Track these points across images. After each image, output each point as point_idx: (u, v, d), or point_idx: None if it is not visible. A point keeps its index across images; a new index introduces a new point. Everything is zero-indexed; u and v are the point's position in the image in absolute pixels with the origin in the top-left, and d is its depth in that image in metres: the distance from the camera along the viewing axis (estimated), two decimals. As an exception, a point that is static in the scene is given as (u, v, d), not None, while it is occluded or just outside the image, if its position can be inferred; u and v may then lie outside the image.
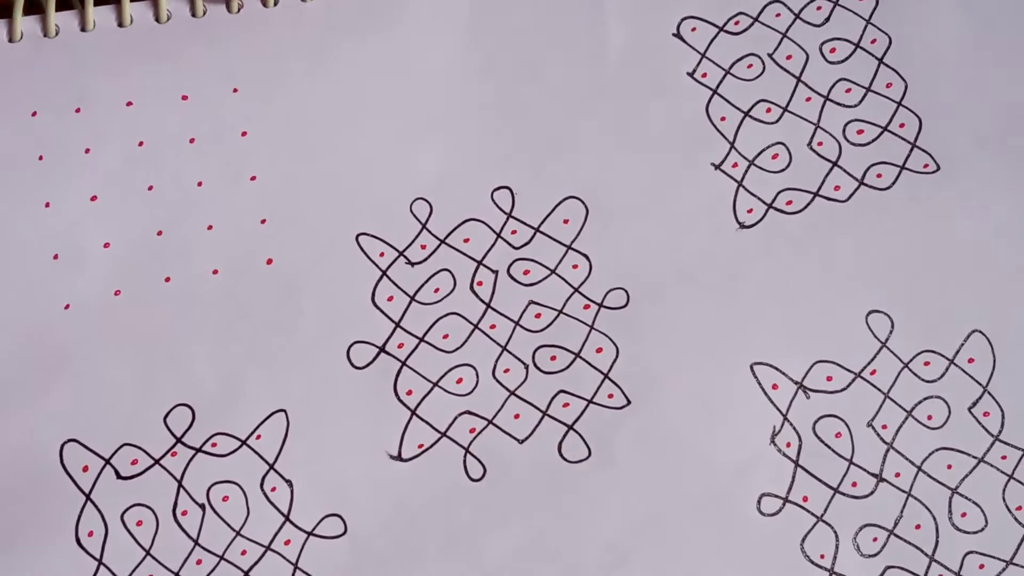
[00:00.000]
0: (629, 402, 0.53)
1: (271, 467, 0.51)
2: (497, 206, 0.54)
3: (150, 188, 0.52)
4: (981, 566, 0.53)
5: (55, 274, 0.51)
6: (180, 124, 0.53)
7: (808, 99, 0.56)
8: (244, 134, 0.53)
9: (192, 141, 0.53)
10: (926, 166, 0.56)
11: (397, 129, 0.54)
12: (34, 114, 0.52)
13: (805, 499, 0.52)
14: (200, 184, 0.53)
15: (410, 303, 0.53)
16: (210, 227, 0.52)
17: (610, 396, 0.53)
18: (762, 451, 0.53)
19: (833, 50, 0.56)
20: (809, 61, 0.56)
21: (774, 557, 0.52)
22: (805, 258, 0.54)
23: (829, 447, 0.53)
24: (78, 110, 0.52)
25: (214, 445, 0.50)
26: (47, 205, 0.52)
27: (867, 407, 0.53)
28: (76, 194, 0.52)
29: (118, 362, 0.51)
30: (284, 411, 0.51)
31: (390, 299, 0.53)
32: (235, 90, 0.54)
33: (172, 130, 0.53)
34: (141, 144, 0.53)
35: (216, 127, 0.53)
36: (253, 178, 0.53)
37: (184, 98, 0.53)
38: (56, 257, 0.51)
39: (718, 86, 0.56)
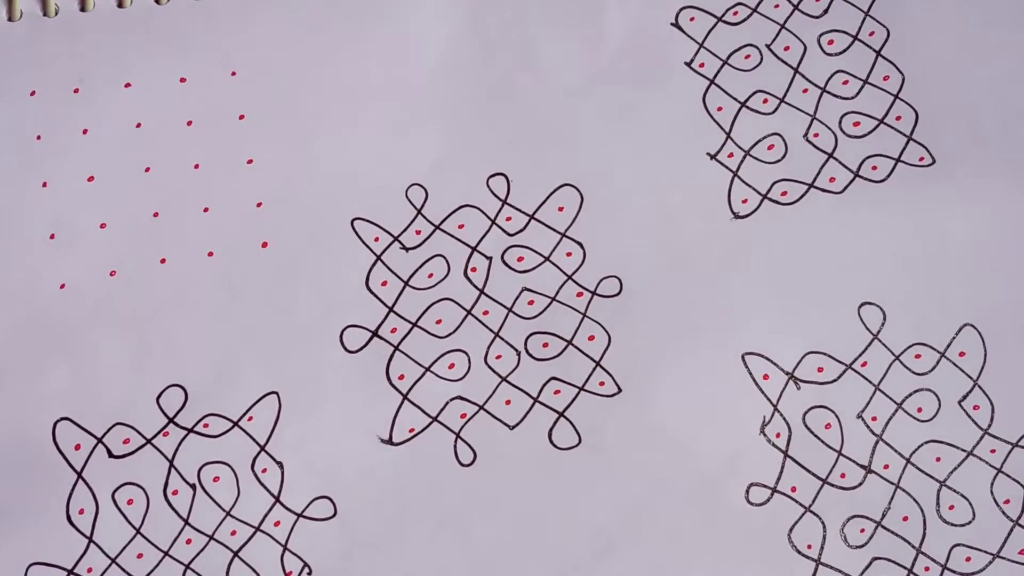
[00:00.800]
0: (620, 390, 0.53)
1: (262, 449, 0.51)
2: (492, 193, 0.54)
3: (147, 170, 0.53)
4: (968, 559, 0.53)
5: (51, 254, 0.51)
6: (178, 106, 0.53)
7: (805, 90, 0.56)
8: (242, 117, 0.54)
9: (190, 124, 0.53)
10: (922, 159, 0.56)
11: (394, 114, 0.54)
12: (33, 94, 0.52)
13: (793, 489, 0.53)
14: (197, 167, 0.53)
15: (404, 288, 0.53)
16: (206, 209, 0.53)
17: (601, 384, 0.53)
18: (752, 441, 0.53)
19: (831, 42, 0.56)
20: (807, 52, 0.56)
21: (761, 546, 0.52)
22: (799, 249, 0.54)
23: (819, 438, 0.53)
24: (77, 90, 0.53)
25: (206, 426, 0.51)
26: (44, 185, 0.52)
27: (857, 399, 0.53)
28: (73, 174, 0.52)
29: (112, 342, 0.51)
30: (276, 393, 0.51)
31: (384, 284, 0.53)
32: (233, 73, 0.54)
33: (170, 112, 0.53)
34: (139, 126, 0.53)
35: (214, 110, 0.53)
36: (250, 161, 0.53)
37: (183, 80, 0.53)
38: (52, 237, 0.52)
39: (715, 76, 0.56)
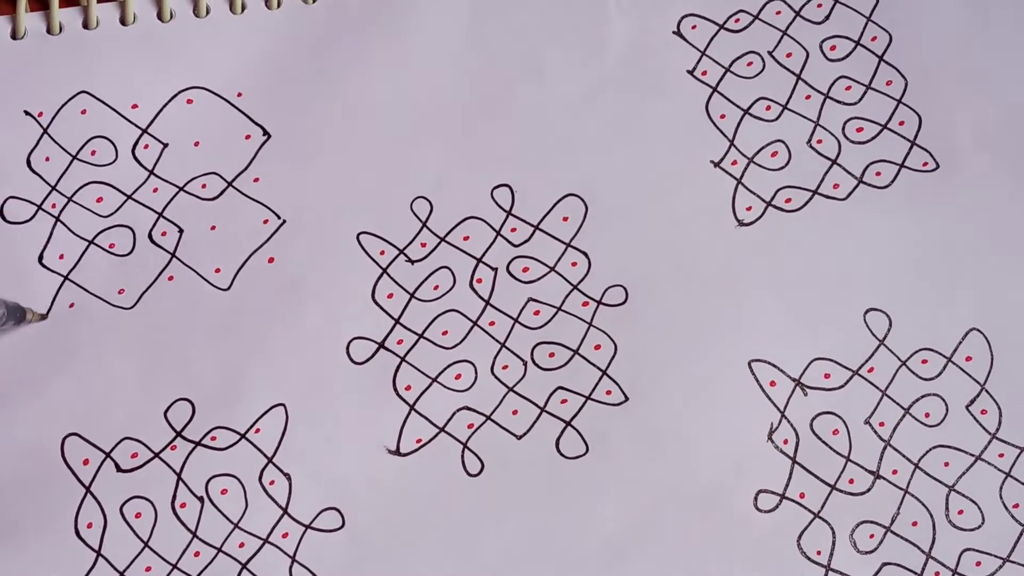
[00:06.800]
0: (627, 398, 0.53)
1: (270, 460, 0.51)
2: (497, 204, 0.54)
3: (155, 190, 0.53)
4: (978, 563, 0.52)
5: (61, 273, 0.52)
6: (185, 127, 0.54)
7: (808, 97, 0.56)
8: (248, 137, 0.54)
9: (197, 144, 0.54)
10: (925, 164, 0.56)
11: (398, 128, 0.54)
12: (40, 114, 0.53)
13: (802, 496, 0.52)
14: (204, 186, 0.53)
15: (410, 300, 0.53)
16: (213, 227, 0.53)
17: (608, 393, 0.53)
18: (759, 448, 0.53)
19: (833, 48, 0.57)
20: (809, 59, 0.56)
21: (771, 553, 0.52)
22: (803, 256, 0.54)
23: (826, 444, 0.53)
24: (84, 111, 0.53)
25: (213, 439, 0.51)
26: (53, 206, 0.52)
27: (865, 404, 0.53)
28: (82, 195, 0.52)
29: (120, 358, 0.51)
30: (283, 405, 0.51)
31: (390, 296, 0.53)
32: (239, 94, 0.54)
33: (177, 133, 0.53)
34: (147, 147, 0.53)
35: (220, 130, 0.54)
36: (256, 180, 0.54)
37: (189, 102, 0.54)
38: (62, 257, 0.52)
39: (718, 84, 0.56)
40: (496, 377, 0.53)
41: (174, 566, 0.50)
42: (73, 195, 0.53)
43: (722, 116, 0.56)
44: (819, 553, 0.52)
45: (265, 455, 0.51)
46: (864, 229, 0.55)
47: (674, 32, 0.56)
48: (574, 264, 0.54)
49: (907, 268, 0.54)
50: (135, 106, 0.53)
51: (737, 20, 0.57)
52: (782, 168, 0.55)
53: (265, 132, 0.54)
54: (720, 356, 0.53)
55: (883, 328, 0.54)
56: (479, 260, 0.54)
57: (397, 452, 0.52)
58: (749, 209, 0.55)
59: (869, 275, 0.54)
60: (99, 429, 0.51)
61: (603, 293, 0.54)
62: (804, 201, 0.55)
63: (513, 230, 0.54)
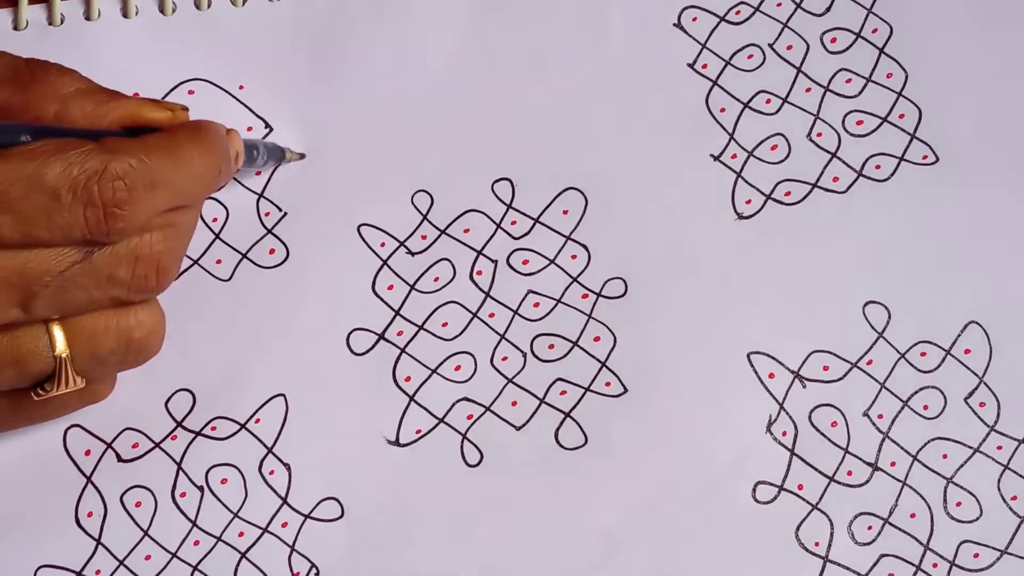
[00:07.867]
0: (626, 390, 0.53)
1: (270, 451, 0.51)
2: (497, 197, 0.54)
3: (157, 180, 0.53)
4: (976, 555, 0.52)
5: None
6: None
7: (808, 90, 0.56)
8: (250, 129, 0.54)
9: (199, 135, 0.54)
10: (925, 157, 0.56)
11: (400, 121, 0.55)
12: (42, 105, 0.53)
13: (800, 487, 0.52)
14: (206, 177, 0.54)
15: (410, 292, 0.53)
16: (215, 219, 0.53)
17: (607, 384, 0.53)
18: (758, 439, 0.53)
19: (834, 40, 0.57)
20: (809, 51, 0.56)
21: (769, 544, 0.52)
22: (803, 249, 0.54)
23: (825, 436, 0.53)
24: (85, 102, 0.53)
25: (214, 429, 0.51)
26: (55, 195, 0.52)
27: (863, 397, 0.53)
28: (83, 185, 0.53)
29: (122, 349, 0.52)
30: (283, 396, 0.52)
31: (390, 288, 0.53)
32: (241, 87, 0.54)
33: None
34: (148, 137, 0.54)
35: (222, 122, 0.53)
36: (258, 173, 0.54)
37: (191, 93, 0.54)
38: (64, 247, 0.52)
39: (718, 77, 0.56)
40: (495, 368, 0.53)
41: (173, 555, 0.50)
42: (73, 185, 0.53)
43: (722, 110, 0.56)
44: (817, 544, 0.52)
45: (265, 445, 0.51)
46: (863, 222, 0.55)
47: (675, 24, 0.56)
48: (574, 257, 0.54)
49: (906, 261, 0.55)
50: (136, 95, 0.54)
51: (738, 12, 0.57)
52: (782, 161, 0.55)
53: (267, 125, 0.54)
54: (719, 348, 0.53)
55: (882, 321, 0.54)
56: (479, 252, 0.54)
57: (396, 443, 0.52)
58: (749, 202, 0.55)
59: (868, 268, 0.54)
60: (101, 420, 0.51)
61: (603, 285, 0.54)
62: (804, 194, 0.55)
63: (513, 223, 0.54)
